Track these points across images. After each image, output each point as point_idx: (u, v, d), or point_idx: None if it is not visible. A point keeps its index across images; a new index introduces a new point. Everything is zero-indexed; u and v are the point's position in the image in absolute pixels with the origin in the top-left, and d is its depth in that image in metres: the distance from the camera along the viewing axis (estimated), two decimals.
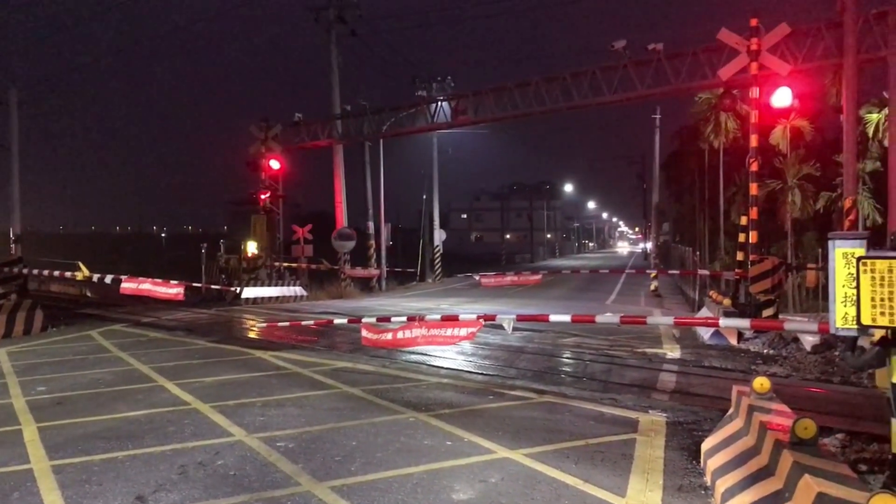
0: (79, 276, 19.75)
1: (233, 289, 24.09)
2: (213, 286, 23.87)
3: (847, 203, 14.50)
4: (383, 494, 5.51)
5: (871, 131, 21.20)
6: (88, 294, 28.38)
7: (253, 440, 7.03)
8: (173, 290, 17.46)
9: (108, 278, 17.94)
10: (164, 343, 14.33)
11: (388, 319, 12.16)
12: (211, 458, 6.49)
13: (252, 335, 16.26)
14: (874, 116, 21.00)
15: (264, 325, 16.85)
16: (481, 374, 11.04)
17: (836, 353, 11.44)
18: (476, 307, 21.53)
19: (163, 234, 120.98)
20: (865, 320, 3.80)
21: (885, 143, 17.04)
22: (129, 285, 17.02)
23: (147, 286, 17.24)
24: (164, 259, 54.78)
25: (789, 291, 20.10)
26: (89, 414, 8.23)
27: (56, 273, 22.02)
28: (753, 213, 14.81)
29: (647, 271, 31.72)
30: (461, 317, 10.44)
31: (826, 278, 4.63)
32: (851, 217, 14.51)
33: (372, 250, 32.13)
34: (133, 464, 6.35)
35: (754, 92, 14.57)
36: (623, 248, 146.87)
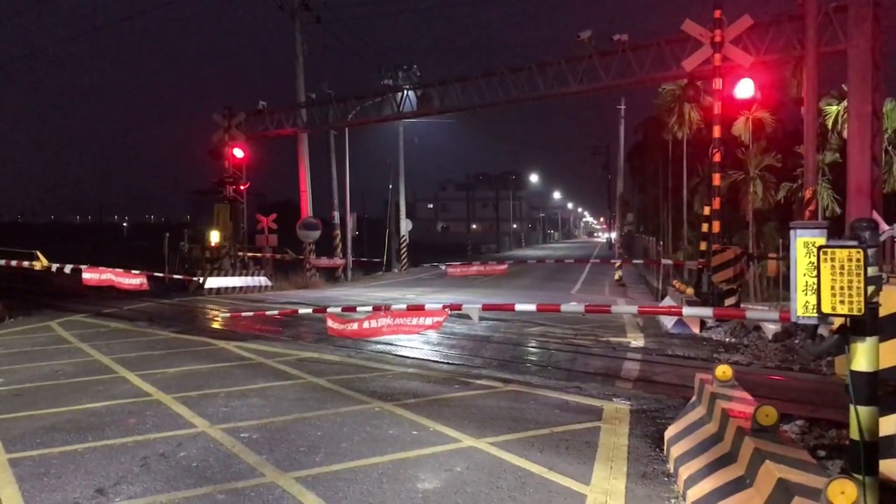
0: (37, 265, 19.35)
1: (196, 279, 23.83)
2: (175, 276, 23.57)
3: (807, 194, 14.72)
4: (349, 485, 5.48)
5: (830, 123, 21.56)
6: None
7: (216, 431, 6.95)
8: (136, 280, 17.26)
9: (68, 268, 17.61)
10: (125, 334, 14.12)
11: (353, 309, 12.11)
12: (173, 449, 6.40)
13: (215, 325, 16.09)
14: (833, 108, 21.35)
15: (228, 315, 16.68)
16: (447, 363, 11.05)
17: (797, 342, 11.64)
18: (442, 297, 21.52)
19: (124, 224, 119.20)
20: (826, 308, 3.84)
21: (844, 134, 17.32)
22: (91, 275, 16.74)
23: (109, 276, 17.00)
24: (125, 249, 53.93)
25: (751, 281, 20.39)
26: (48, 406, 8.07)
27: (14, 263, 21.53)
28: (716, 203, 15.00)
29: (612, 261, 32.01)
30: (427, 306, 10.43)
31: (787, 268, 4.69)
32: (811, 207, 14.74)
33: (337, 240, 31.93)
34: (93, 456, 6.24)
35: (718, 83, 14.74)
36: (597, 237, 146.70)
